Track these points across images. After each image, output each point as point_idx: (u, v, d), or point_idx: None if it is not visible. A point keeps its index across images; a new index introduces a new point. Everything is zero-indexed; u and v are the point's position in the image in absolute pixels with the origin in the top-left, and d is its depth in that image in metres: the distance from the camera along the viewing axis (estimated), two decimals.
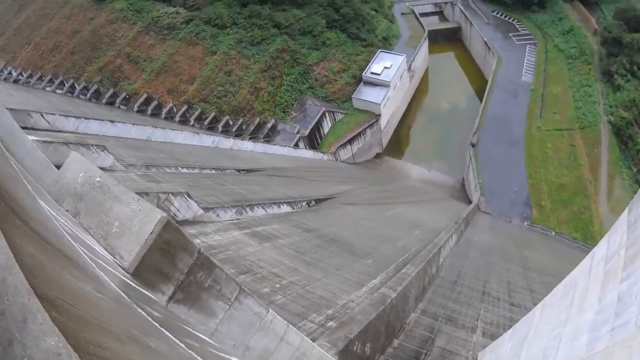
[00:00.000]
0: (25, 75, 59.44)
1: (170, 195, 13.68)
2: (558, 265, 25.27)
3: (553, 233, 39.76)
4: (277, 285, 10.67)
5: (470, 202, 43.14)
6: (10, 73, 61.39)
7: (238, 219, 16.22)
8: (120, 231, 4.57)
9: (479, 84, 55.22)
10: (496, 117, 49.25)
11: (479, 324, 12.02)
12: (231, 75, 50.70)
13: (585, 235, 39.08)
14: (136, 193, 12.07)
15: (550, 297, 6.08)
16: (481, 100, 51.72)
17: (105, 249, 4.44)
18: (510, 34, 59.23)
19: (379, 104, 48.34)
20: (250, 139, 45.57)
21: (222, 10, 53.03)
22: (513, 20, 61.27)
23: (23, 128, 14.72)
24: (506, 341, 7.47)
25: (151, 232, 4.45)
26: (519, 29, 60.24)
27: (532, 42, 58.74)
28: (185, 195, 14.23)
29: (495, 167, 44.50)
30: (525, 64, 55.84)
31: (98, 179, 5.03)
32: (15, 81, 58.63)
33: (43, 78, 57.75)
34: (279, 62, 50.72)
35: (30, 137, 13.85)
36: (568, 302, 5.28)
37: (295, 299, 10.22)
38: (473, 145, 47.20)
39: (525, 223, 40.97)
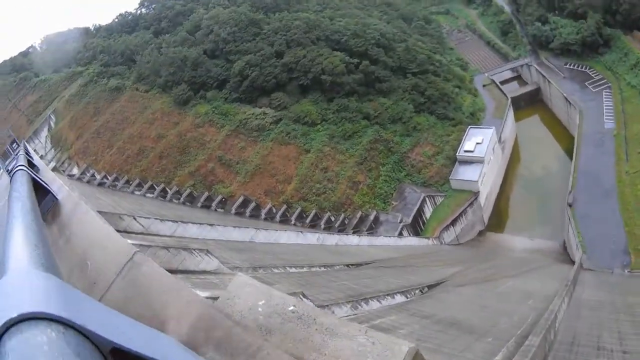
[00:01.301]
0: (110, 178, 60.86)
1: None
2: None
3: None
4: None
5: (573, 262, 42.47)
6: (93, 176, 62.95)
7: (355, 314, 16.32)
8: None
9: (567, 141, 54.80)
10: (588, 172, 48.68)
11: None
12: (328, 172, 51.48)
13: None
14: None
15: None
16: (571, 158, 51.21)
17: None
18: (586, 83, 58.81)
19: (476, 182, 48.36)
20: (353, 232, 46.04)
21: (310, 107, 54.27)
22: (585, 68, 60.88)
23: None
24: None
25: None
26: (593, 75, 59.80)
27: (606, 85, 58.21)
28: (300, 296, 13.86)
29: (593, 222, 43.78)
30: (605, 110, 55.20)
31: (292, 307, 4.51)
32: (100, 184, 60.12)
33: (130, 182, 58.85)
34: (373, 154, 51.44)
35: (129, 242, 14.08)
36: None
37: None
38: (570, 205, 46.45)
39: (626, 271, 39.77)
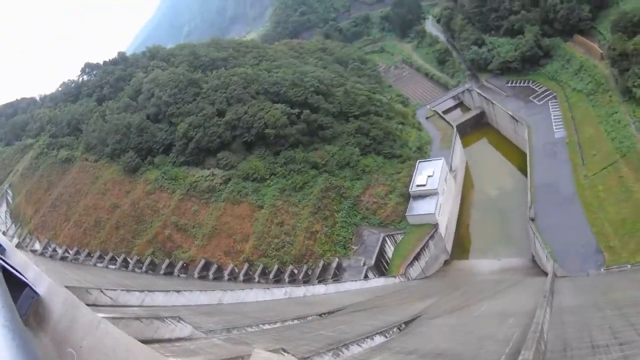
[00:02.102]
0: (72, 252, 59.92)
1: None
2: None
3: (629, 266, 38.64)
4: None
5: (545, 273, 42.63)
6: (55, 250, 62.01)
7: None
8: None
9: (519, 158, 55.25)
10: (545, 184, 49.10)
11: None
12: (284, 225, 50.93)
13: None
14: (231, 358, 11.52)
15: None
16: (526, 174, 51.57)
17: None
18: (530, 97, 59.69)
19: (433, 214, 48.32)
20: (319, 282, 45.60)
21: (257, 163, 53.82)
22: (528, 83, 61.84)
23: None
24: None
25: None
26: (536, 88, 60.70)
27: (551, 95, 58.93)
28: (282, 351, 13.84)
29: (558, 231, 44.10)
30: (553, 120, 55.95)
31: None
32: (63, 258, 59.14)
33: (91, 254, 58.05)
34: (326, 202, 51.07)
35: (100, 315, 13.68)
36: None
37: None
38: (532, 220, 46.71)
39: (602, 270, 40.09)
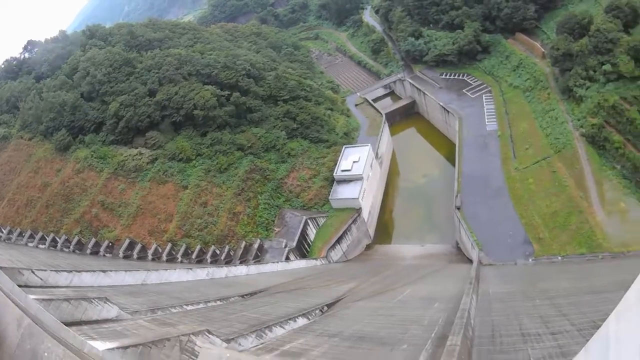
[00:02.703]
0: (5, 231, 58.85)
1: (191, 336, 12.71)
2: (577, 284, 25.57)
3: (560, 258, 39.74)
4: None
5: (470, 261, 43.40)
6: None
7: (262, 343, 16.13)
8: None
9: (448, 148, 55.89)
10: (473, 174, 49.74)
11: None
12: (207, 206, 50.76)
13: (591, 246, 39.12)
14: (157, 340, 11.50)
15: (623, 304, 6.02)
16: (454, 164, 52.14)
17: None
18: (464, 90, 60.37)
19: (357, 198, 48.73)
20: (241, 263, 45.65)
21: (184, 143, 53.46)
22: (463, 76, 62.47)
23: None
24: None
25: None
26: (471, 82, 61.44)
27: (486, 90, 59.75)
28: (206, 333, 13.49)
29: (485, 221, 44.74)
30: (486, 113, 56.68)
31: None
32: None
33: (23, 234, 57.14)
34: (250, 183, 51.04)
35: (31, 297, 13.68)
36: None
37: None
38: (458, 208, 47.34)
39: (530, 260, 40.97)
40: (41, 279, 21.75)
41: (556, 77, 52.06)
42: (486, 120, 55.85)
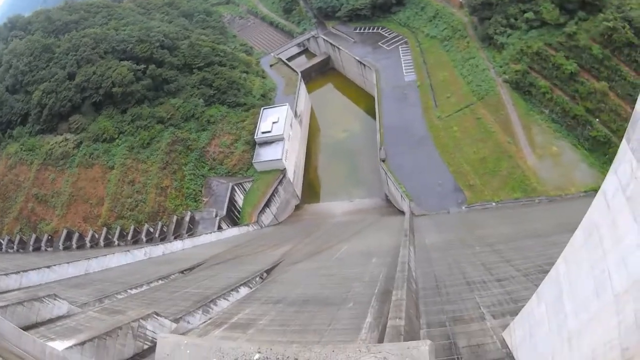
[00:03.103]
0: None
1: (140, 321, 13.65)
2: (516, 229, 25.77)
3: (494, 204, 40.12)
4: None
5: (402, 213, 43.74)
6: None
7: (210, 318, 16.46)
8: None
9: (367, 102, 56.42)
10: (395, 125, 49.91)
11: (483, 310, 11.85)
12: (135, 184, 51.25)
13: (526, 190, 39.55)
14: (110, 331, 12.30)
15: (570, 247, 6.10)
16: (374, 117, 52.68)
17: None
18: (379, 43, 60.64)
19: (280, 159, 49.46)
20: (175, 238, 46.19)
21: (106, 123, 53.64)
22: (378, 29, 62.55)
23: None
24: (535, 306, 7.32)
25: None
26: (386, 34, 61.64)
27: (402, 41, 60.02)
28: (154, 315, 14.27)
29: (412, 171, 44.89)
30: (403, 64, 56.99)
31: (257, 356, 3.98)
32: None
33: None
34: (174, 156, 51.53)
35: None
36: (596, 241, 5.35)
37: None
38: (383, 160, 47.63)
39: (463, 207, 41.28)
40: None
41: (475, 26, 52.40)
42: (404, 71, 56.18)
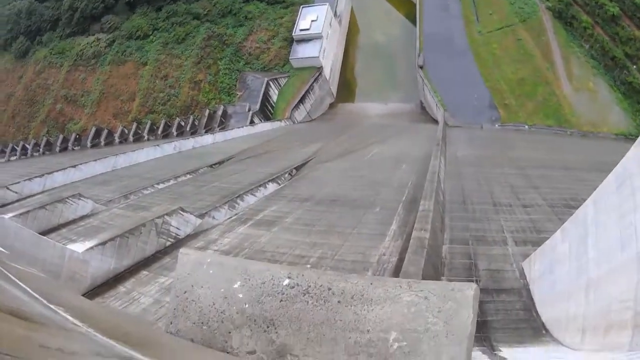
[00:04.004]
0: None
1: (165, 217, 13.52)
2: (546, 156, 25.37)
3: (527, 127, 39.75)
4: (308, 266, 10.57)
5: (435, 121, 43.07)
6: None
7: (236, 214, 16.25)
8: (412, 343, 3.08)
9: (407, 7, 55.19)
10: (435, 34, 48.46)
11: (506, 234, 11.81)
12: (168, 79, 50.77)
13: (559, 120, 38.96)
14: (133, 229, 12.17)
15: (601, 191, 5.93)
16: (414, 23, 51.59)
17: None
18: None
19: (317, 57, 48.52)
20: (206, 132, 45.72)
21: (140, 21, 53.13)
22: None
23: None
24: (559, 243, 7.21)
25: (471, 319, 3.11)
26: None
27: None
28: (180, 211, 14.13)
29: (449, 81, 43.99)
30: None
31: (287, 281, 3.59)
32: None
33: None
34: (209, 50, 50.82)
35: (8, 216, 14.24)
36: (628, 191, 5.18)
37: None
38: (421, 67, 46.69)
39: (497, 125, 40.80)
40: (16, 192, 22.52)
41: None
42: None
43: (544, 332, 7.44)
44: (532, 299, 8.34)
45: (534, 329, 7.61)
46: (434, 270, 9.48)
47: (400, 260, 9.99)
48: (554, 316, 7.27)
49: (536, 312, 8.01)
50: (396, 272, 8.96)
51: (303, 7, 52.03)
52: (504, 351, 7.10)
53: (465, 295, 3.08)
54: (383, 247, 11.40)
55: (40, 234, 11.93)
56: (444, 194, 15.78)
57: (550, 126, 38.91)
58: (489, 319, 8.08)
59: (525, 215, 13.29)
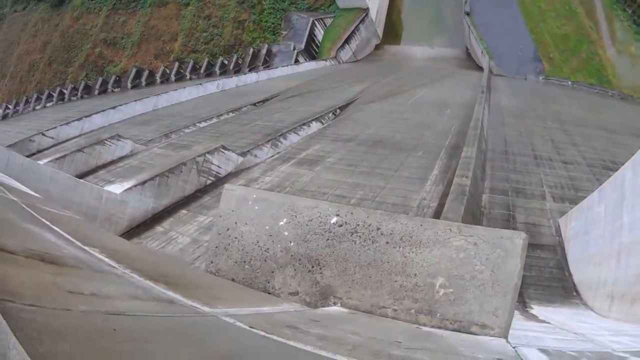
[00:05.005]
0: (11, 106, 58.86)
1: (206, 155, 13.40)
2: (587, 115, 25.39)
3: (570, 83, 39.60)
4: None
5: (480, 68, 42.80)
6: None
7: (278, 153, 16.25)
8: (458, 290, 3.03)
9: None
10: None
11: (545, 189, 11.86)
12: (211, 19, 50.40)
13: (601, 80, 38.78)
14: (173, 167, 11.95)
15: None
16: None
17: (441, 326, 3.00)
18: None
19: None
20: (250, 70, 45.45)
21: None
22: None
23: (30, 155, 14.52)
24: (595, 204, 7.14)
25: (518, 269, 3.07)
26: None
27: None
28: (222, 149, 14.01)
29: (495, 30, 43.85)
30: None
31: (335, 219, 3.39)
32: (4, 117, 58.05)
33: (29, 100, 57.13)
34: None
35: (43, 161, 14.17)
36: None
37: None
38: (467, 14, 46.43)
39: (541, 77, 40.80)
40: (52, 137, 22.40)
41: None
42: None
43: (574, 293, 7.49)
44: (565, 258, 8.37)
45: (565, 289, 7.68)
46: (473, 218, 9.50)
47: (440, 205, 10.02)
48: (586, 279, 7.24)
49: (569, 271, 8.04)
50: (435, 218, 8.91)
51: None
52: (535, 309, 7.15)
53: (514, 244, 3.02)
54: (424, 192, 11.55)
55: (77, 177, 11.82)
56: (486, 142, 15.77)
57: (593, 85, 38.81)
58: (523, 274, 8.14)
59: (564, 172, 13.30)
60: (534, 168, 13.44)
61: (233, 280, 3.67)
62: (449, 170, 12.81)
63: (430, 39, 50.78)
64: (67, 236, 3.11)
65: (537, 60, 42.12)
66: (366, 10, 48.72)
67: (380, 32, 51.53)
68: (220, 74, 47.21)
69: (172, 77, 48.98)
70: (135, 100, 29.45)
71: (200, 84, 36.60)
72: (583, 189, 11.33)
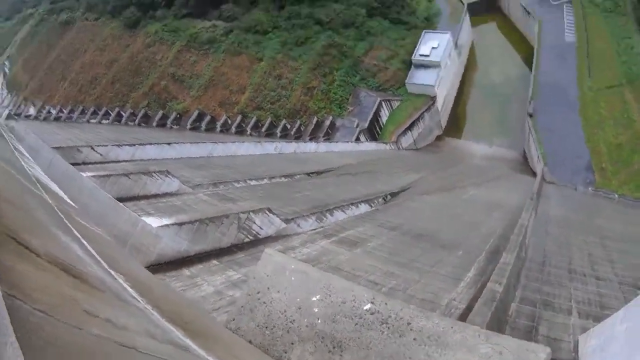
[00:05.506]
0: (66, 111, 60.15)
1: (250, 213, 13.29)
2: (628, 230, 24.70)
3: (616, 196, 38.26)
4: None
5: (534, 173, 42.51)
6: (49, 112, 62.35)
7: (321, 227, 16.12)
8: None
9: (526, 50, 54.53)
10: (548, 83, 47.84)
11: (573, 304, 11.61)
12: (281, 79, 50.97)
13: None
14: (215, 217, 11.89)
15: None
16: (530, 68, 50.94)
17: None
18: None
19: (433, 86, 48.15)
20: (310, 139, 45.87)
21: (261, 16, 53.41)
22: None
23: (74, 164, 14.37)
24: (618, 322, 7.05)
25: None
26: None
27: (567, 0, 58.29)
28: (267, 211, 13.93)
29: (554, 135, 43.15)
30: (565, 23, 54.96)
31: (369, 305, 3.50)
32: (57, 119, 59.32)
33: (85, 111, 58.36)
34: (327, 59, 50.89)
35: (86, 174, 13.70)
36: None
37: None
38: (530, 115, 45.99)
39: (590, 188, 39.67)
40: (101, 154, 22.21)
41: (634, 6, 49.86)
42: (565, 30, 54.19)
43: None
44: None
45: None
46: (497, 325, 9.50)
47: (468, 309, 10.04)
48: None
49: None
50: (462, 320, 9.03)
51: (425, 31, 51.73)
52: None
53: (537, 358, 3.09)
54: (455, 292, 11.42)
55: (117, 199, 11.55)
56: (526, 251, 15.66)
57: (638, 199, 37.37)
58: None
59: (595, 288, 13.15)
60: (567, 282, 13.32)
61: (250, 342, 3.72)
62: (484, 274, 12.74)
63: (491, 138, 50.72)
64: (95, 254, 3.13)
65: (589, 170, 41.24)
66: (434, 99, 48.96)
67: (443, 122, 51.82)
68: (281, 136, 47.88)
69: (233, 129, 49.73)
70: (191, 142, 29.49)
71: (259, 142, 36.68)
72: (609, 306, 11.21)
